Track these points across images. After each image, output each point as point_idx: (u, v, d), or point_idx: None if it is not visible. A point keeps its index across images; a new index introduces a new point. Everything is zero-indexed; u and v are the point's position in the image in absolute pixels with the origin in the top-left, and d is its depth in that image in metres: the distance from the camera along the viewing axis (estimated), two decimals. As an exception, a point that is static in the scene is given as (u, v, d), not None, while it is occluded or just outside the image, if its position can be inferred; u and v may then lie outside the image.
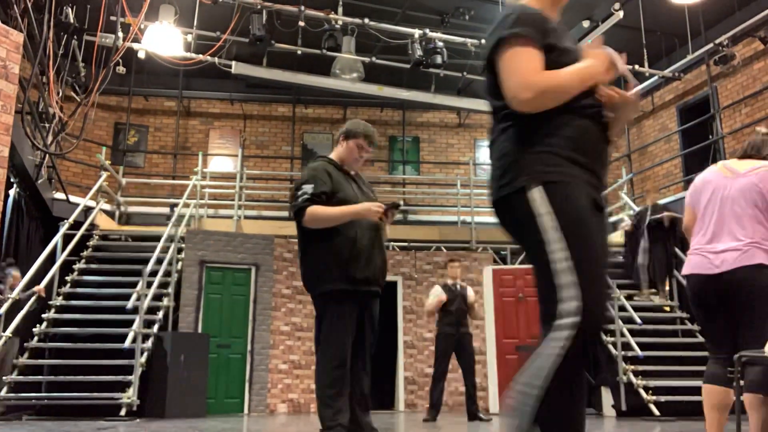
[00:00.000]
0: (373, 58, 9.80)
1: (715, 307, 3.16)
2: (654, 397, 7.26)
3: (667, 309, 9.11)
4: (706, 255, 3.18)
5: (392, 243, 10.13)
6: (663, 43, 10.90)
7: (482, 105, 11.66)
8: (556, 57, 1.95)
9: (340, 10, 9.04)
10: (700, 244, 3.25)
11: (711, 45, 9.52)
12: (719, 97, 10.57)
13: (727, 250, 3.11)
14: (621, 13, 9.06)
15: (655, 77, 10.62)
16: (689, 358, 8.49)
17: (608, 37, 9.18)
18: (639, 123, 12.77)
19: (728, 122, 10.39)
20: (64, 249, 8.35)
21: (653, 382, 7.40)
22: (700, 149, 10.37)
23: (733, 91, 10.36)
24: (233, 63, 9.75)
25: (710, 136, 10.39)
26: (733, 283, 3.05)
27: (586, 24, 9.70)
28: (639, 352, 7.66)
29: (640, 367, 7.59)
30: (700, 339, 8.77)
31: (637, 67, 9.95)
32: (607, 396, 7.75)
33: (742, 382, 3.06)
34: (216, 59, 9.44)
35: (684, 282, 3.45)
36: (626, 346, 7.71)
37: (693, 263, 3.23)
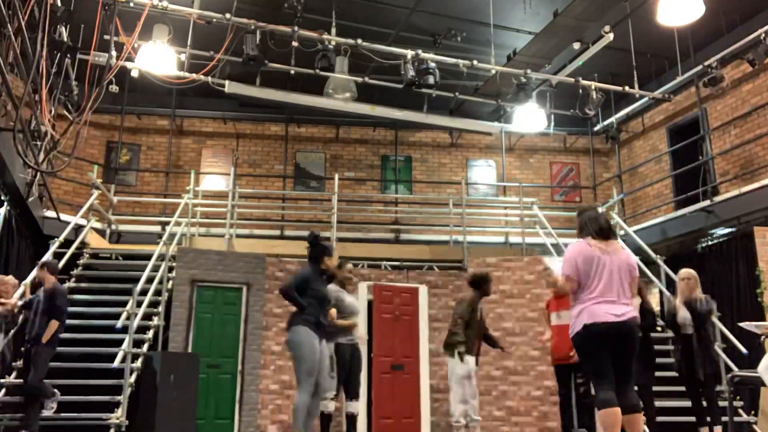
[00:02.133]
0: (366, 78, 9.85)
1: (614, 347, 4.05)
2: (646, 417, 7.23)
3: (659, 329, 9.11)
4: (607, 308, 4.05)
5: (384, 262, 10.11)
6: (653, 65, 11.02)
7: (474, 125, 11.74)
8: None
9: (333, 30, 9.11)
10: (598, 300, 4.09)
11: (700, 67, 9.63)
12: (709, 119, 10.67)
13: (624, 305, 4.10)
14: (611, 36, 9.15)
15: (645, 99, 10.71)
16: (680, 378, 8.48)
17: (598, 59, 9.29)
18: (630, 144, 12.87)
19: (718, 143, 10.49)
20: (54, 267, 8.29)
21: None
22: (690, 170, 10.45)
23: (722, 113, 10.47)
24: (226, 82, 9.77)
25: (700, 157, 10.48)
26: (627, 330, 4.04)
27: (576, 46, 9.80)
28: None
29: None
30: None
31: (627, 88, 10.04)
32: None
33: (735, 403, 3.08)
34: (209, 78, 9.46)
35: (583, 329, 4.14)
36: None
37: (596, 313, 4.05)
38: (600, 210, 4.44)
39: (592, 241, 4.23)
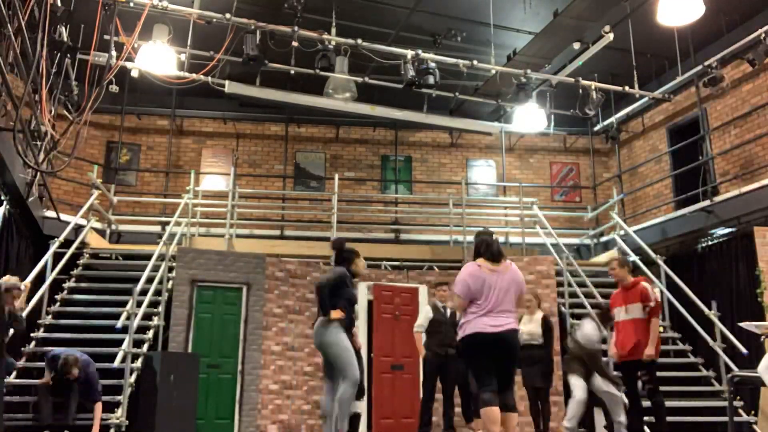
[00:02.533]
0: (366, 78, 9.85)
1: (493, 354, 4.68)
2: (647, 417, 7.22)
3: (660, 329, 9.11)
4: (488, 320, 4.70)
5: (384, 262, 10.12)
6: (653, 65, 11.01)
7: (474, 125, 11.74)
8: None
9: (333, 30, 9.10)
10: (481, 314, 4.73)
11: (700, 67, 9.62)
12: (709, 119, 10.67)
13: (505, 318, 4.74)
14: (611, 36, 9.15)
15: (645, 99, 10.70)
16: (682, 379, 8.49)
17: (598, 59, 9.28)
18: (629, 144, 12.87)
19: (718, 143, 10.49)
20: (54, 267, 8.31)
21: (645, 402, 7.37)
22: (689, 170, 10.45)
23: (722, 113, 10.47)
24: (226, 82, 9.77)
25: (700, 157, 10.48)
26: (503, 339, 4.68)
27: (576, 46, 9.79)
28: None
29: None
30: (693, 359, 8.79)
31: (627, 88, 10.04)
32: (599, 417, 7.72)
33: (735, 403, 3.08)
34: (209, 78, 9.46)
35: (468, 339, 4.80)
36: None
37: (477, 325, 4.71)
38: (493, 236, 5.11)
39: (482, 262, 4.90)
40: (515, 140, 13.47)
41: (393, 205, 12.86)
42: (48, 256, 8.28)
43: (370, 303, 9.24)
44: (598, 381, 6.73)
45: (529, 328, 7.48)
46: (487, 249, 5.00)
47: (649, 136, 12.39)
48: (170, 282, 8.85)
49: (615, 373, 6.98)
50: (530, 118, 11.09)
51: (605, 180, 13.21)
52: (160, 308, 8.49)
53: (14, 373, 7.26)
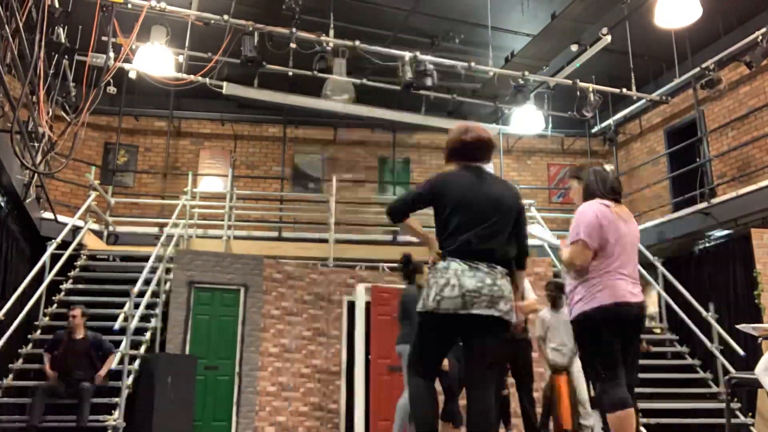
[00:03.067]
0: (364, 80, 9.85)
1: (626, 334, 3.45)
2: (644, 420, 7.24)
3: (658, 331, 9.13)
4: (628, 282, 3.45)
5: (382, 264, 10.11)
6: (650, 67, 11.03)
7: (472, 127, 11.74)
8: None
9: (331, 32, 9.10)
10: (617, 277, 3.43)
11: (698, 69, 9.64)
12: (706, 121, 10.69)
13: (637, 284, 3.51)
14: (609, 38, 9.16)
15: (643, 101, 10.72)
16: (679, 380, 8.50)
17: (596, 61, 9.28)
18: (627, 146, 12.89)
19: (715, 145, 10.51)
20: (51, 269, 8.28)
21: (643, 404, 7.38)
22: (687, 172, 10.47)
23: (719, 115, 10.49)
24: (224, 84, 9.77)
25: (697, 159, 10.49)
26: (641, 313, 3.47)
27: (574, 48, 9.80)
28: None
29: (630, 390, 7.57)
30: (690, 361, 8.79)
31: (624, 90, 10.05)
32: (597, 419, 7.71)
33: (732, 404, 3.08)
34: (207, 80, 9.45)
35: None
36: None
37: (617, 291, 3.40)
38: (608, 168, 3.80)
39: (607, 202, 3.60)
40: (513, 142, 13.48)
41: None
42: (45, 258, 8.26)
43: (367, 305, 9.23)
44: None
45: None
46: (606, 185, 3.71)
47: (646, 138, 12.41)
48: (168, 284, 8.84)
49: None
50: (528, 119, 11.10)
51: (603, 182, 13.22)
52: (158, 310, 8.47)
53: (11, 375, 7.25)
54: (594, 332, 3.43)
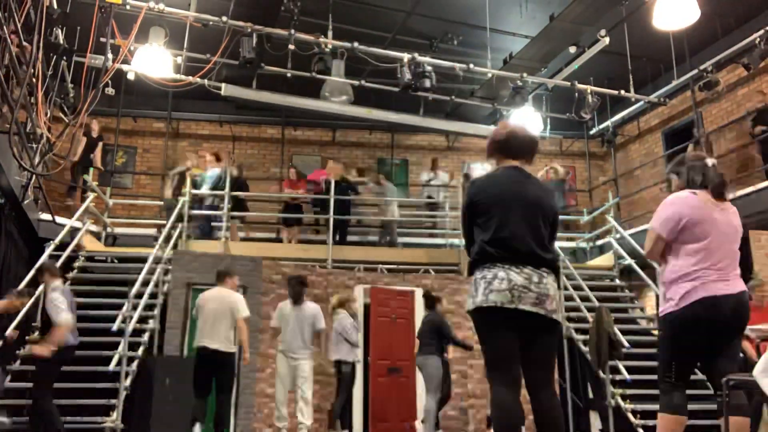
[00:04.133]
0: (363, 82, 9.86)
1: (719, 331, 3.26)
2: (642, 421, 7.24)
3: (655, 332, 9.12)
4: (723, 278, 3.33)
5: (380, 266, 10.11)
6: (648, 69, 11.04)
7: (470, 128, 11.75)
8: None
9: (329, 34, 9.11)
10: (711, 268, 3.32)
11: (696, 71, 9.66)
12: (704, 122, 10.70)
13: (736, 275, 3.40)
14: (607, 40, 9.18)
15: (641, 102, 10.74)
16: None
17: (594, 62, 9.28)
18: (625, 147, 12.90)
19: (713, 147, 10.52)
20: (49, 270, 8.25)
21: (641, 406, 7.38)
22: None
23: (717, 117, 10.51)
24: (223, 85, 9.76)
25: (696, 161, 10.49)
26: (743, 307, 3.28)
27: (572, 50, 9.82)
28: (627, 376, 7.65)
29: (628, 391, 7.58)
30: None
31: (622, 92, 10.07)
32: (595, 420, 7.73)
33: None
34: (206, 81, 9.45)
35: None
36: (614, 370, 7.70)
37: (709, 288, 3.24)
38: (710, 162, 3.50)
39: (701, 193, 3.42)
40: (511, 143, 13.47)
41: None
42: (43, 259, 8.24)
43: (366, 306, 9.23)
44: None
45: None
46: (705, 178, 3.46)
47: (644, 140, 12.43)
48: (166, 285, 8.82)
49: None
50: (526, 121, 11.09)
51: (601, 183, 13.23)
52: (156, 311, 8.46)
53: (9, 377, 7.23)
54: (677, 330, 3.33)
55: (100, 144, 11.15)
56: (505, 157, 3.39)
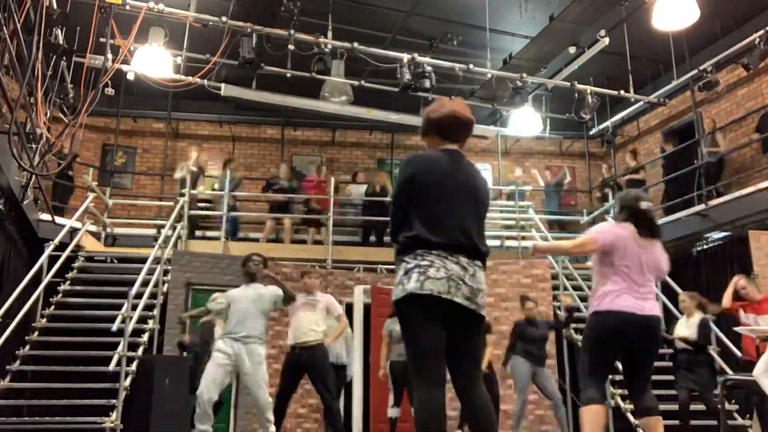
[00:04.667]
0: (362, 82, 9.86)
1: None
2: (639, 420, 7.22)
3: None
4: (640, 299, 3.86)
5: (380, 265, 10.11)
6: (648, 70, 11.05)
7: (470, 129, 11.75)
8: None
9: (329, 34, 9.11)
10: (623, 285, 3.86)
11: (695, 71, 9.65)
12: (704, 123, 10.70)
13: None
14: (607, 40, 9.17)
15: (641, 103, 10.74)
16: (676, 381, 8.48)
17: (594, 63, 9.25)
18: (625, 148, 12.89)
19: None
20: (49, 270, 8.27)
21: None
22: (685, 173, 10.47)
23: (717, 117, 10.50)
24: (222, 85, 9.77)
25: (695, 161, 10.50)
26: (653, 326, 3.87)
27: (572, 50, 9.82)
28: (627, 376, 7.63)
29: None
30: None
31: (622, 92, 10.07)
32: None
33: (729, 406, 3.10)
34: (205, 81, 9.45)
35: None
36: (614, 370, 7.68)
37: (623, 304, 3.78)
38: (644, 205, 3.96)
39: (627, 225, 3.90)
40: (511, 144, 13.50)
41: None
42: (43, 259, 8.24)
43: (367, 306, 9.22)
44: None
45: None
46: (638, 219, 3.93)
47: (644, 140, 12.42)
48: (165, 285, 8.83)
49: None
50: (526, 121, 11.11)
51: (601, 184, 13.23)
52: (156, 311, 8.46)
53: (8, 377, 7.24)
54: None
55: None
56: (444, 139, 3.25)
